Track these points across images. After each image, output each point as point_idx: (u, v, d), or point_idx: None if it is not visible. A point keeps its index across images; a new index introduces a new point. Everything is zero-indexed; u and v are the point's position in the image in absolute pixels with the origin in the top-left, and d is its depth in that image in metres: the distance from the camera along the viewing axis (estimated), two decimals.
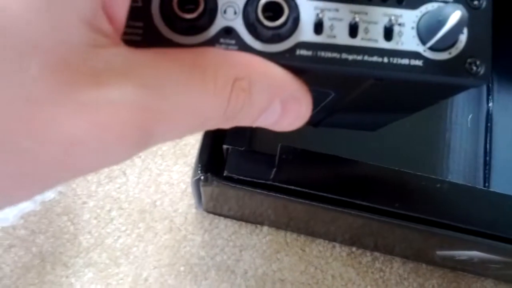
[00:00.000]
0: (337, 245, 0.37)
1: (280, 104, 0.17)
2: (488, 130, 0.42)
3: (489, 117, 0.42)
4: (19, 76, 0.12)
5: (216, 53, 0.16)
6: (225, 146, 0.30)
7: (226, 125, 0.17)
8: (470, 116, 0.42)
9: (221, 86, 0.15)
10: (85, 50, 0.13)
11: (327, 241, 0.37)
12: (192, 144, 0.38)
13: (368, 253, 0.37)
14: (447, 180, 0.31)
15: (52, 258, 0.35)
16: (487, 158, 0.41)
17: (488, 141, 0.42)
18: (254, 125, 0.18)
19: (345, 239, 0.37)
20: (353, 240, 0.37)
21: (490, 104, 0.43)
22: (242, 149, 0.30)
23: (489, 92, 0.43)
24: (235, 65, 0.16)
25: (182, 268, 0.35)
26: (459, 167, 0.41)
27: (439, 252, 0.34)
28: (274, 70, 0.17)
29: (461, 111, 0.42)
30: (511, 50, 0.43)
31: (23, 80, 0.12)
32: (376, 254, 0.37)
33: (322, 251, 0.37)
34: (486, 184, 0.40)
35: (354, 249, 0.37)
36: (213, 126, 0.16)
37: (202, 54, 0.16)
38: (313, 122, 0.29)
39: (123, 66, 0.14)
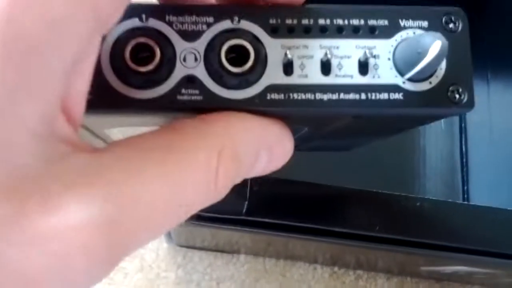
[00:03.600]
0: (318, 266, 0.36)
1: (266, 153, 0.16)
2: (463, 130, 0.41)
3: (462, 117, 0.42)
4: None
5: (192, 127, 0.14)
6: None
7: (216, 200, 0.14)
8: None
9: (205, 164, 0.13)
10: (37, 168, 0.11)
11: (307, 264, 0.36)
12: None
13: (351, 272, 0.36)
14: (427, 197, 0.29)
15: None
16: (464, 160, 0.41)
17: (463, 142, 0.41)
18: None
19: (326, 259, 0.36)
20: (334, 260, 0.36)
21: None
22: None
23: None
24: (215, 134, 0.14)
25: None
26: (436, 171, 0.40)
27: (423, 268, 0.33)
28: (253, 122, 0.15)
29: None
30: (482, 50, 0.42)
31: None
32: (359, 272, 0.36)
33: (303, 274, 0.35)
34: (465, 188, 0.40)
35: (336, 268, 0.36)
36: (199, 209, 0.14)
37: (177, 134, 0.13)
38: None
39: (84, 178, 0.11)
